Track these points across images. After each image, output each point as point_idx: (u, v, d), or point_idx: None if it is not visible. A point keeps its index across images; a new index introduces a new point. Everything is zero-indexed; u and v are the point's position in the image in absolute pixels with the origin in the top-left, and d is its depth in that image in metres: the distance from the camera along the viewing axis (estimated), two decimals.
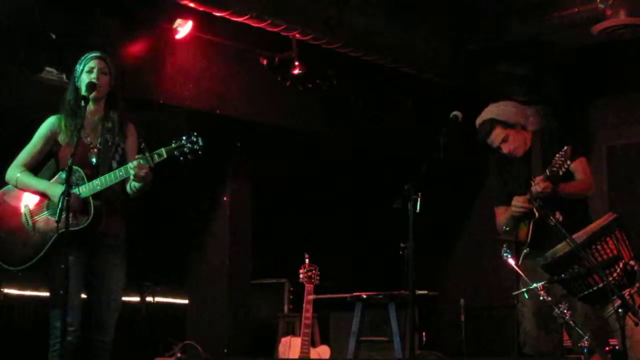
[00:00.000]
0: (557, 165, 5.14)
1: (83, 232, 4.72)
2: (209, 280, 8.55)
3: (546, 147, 5.48)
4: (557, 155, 5.13)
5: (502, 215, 5.65)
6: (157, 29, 7.13)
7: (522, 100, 8.78)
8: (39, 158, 4.99)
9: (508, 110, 5.61)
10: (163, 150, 4.69)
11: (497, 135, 5.57)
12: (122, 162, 4.86)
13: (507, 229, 5.60)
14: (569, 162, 5.13)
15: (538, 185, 5.25)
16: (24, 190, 4.92)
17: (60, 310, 4.47)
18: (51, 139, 4.95)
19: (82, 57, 4.96)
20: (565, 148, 5.09)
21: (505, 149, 5.59)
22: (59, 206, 4.45)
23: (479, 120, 5.66)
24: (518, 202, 5.41)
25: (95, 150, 4.89)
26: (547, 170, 5.22)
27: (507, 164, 5.78)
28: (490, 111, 5.63)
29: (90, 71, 4.88)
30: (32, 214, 4.88)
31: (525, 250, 5.51)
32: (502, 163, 5.87)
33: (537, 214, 5.34)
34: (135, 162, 4.66)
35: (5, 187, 4.99)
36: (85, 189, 4.73)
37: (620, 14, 6.98)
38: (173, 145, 4.70)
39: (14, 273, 4.91)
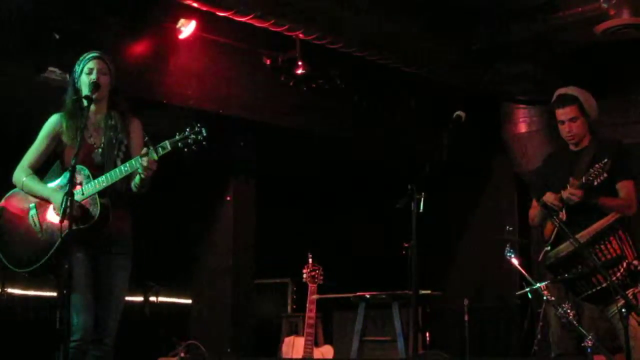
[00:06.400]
0: (593, 176, 5.13)
1: (90, 231, 4.70)
2: (213, 280, 8.56)
3: (597, 157, 5.36)
4: (597, 165, 5.12)
5: (534, 208, 5.63)
6: (161, 29, 7.13)
7: (525, 99, 8.83)
8: (45, 157, 4.96)
9: (592, 102, 5.58)
10: (167, 143, 4.64)
11: (570, 112, 5.51)
12: (127, 159, 4.81)
13: (536, 222, 5.61)
14: (605, 175, 5.11)
15: (569, 190, 5.25)
16: (30, 194, 4.91)
17: (65, 310, 4.43)
18: (55, 137, 4.92)
19: (81, 58, 4.93)
20: (605, 160, 5.09)
21: (567, 127, 5.53)
22: (62, 207, 4.46)
23: (561, 91, 5.64)
24: (548, 200, 5.38)
25: (100, 149, 4.86)
26: (582, 178, 5.20)
27: (554, 157, 5.78)
28: (577, 91, 5.60)
29: (89, 72, 4.85)
30: (40, 215, 4.86)
31: (547, 248, 5.45)
32: (549, 156, 5.89)
33: (564, 217, 5.31)
34: (142, 157, 4.63)
35: (14, 190, 4.98)
36: (89, 188, 4.70)
37: (624, 13, 6.97)
38: (177, 137, 4.65)
39: (16, 272, 4.90)
